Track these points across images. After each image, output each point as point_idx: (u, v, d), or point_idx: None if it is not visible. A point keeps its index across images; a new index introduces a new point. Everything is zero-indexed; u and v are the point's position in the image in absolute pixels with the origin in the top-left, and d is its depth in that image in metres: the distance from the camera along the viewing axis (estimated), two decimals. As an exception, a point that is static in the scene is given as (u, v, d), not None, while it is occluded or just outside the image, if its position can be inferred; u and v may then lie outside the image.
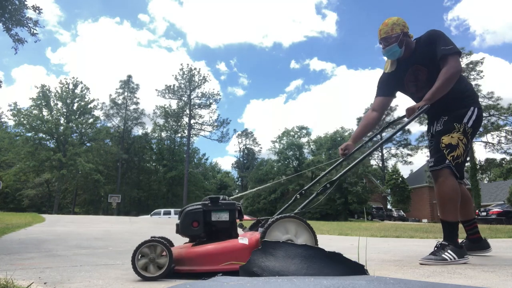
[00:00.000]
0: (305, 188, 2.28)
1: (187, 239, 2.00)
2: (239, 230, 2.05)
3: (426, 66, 2.35)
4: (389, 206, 46.22)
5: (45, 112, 38.65)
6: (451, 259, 2.11)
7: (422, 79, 2.39)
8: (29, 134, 37.41)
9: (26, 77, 76.00)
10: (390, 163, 53.20)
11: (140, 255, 1.62)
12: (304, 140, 46.31)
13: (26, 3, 7.81)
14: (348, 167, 2.16)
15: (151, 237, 1.75)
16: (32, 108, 37.85)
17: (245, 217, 2.06)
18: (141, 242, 1.63)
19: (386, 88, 2.57)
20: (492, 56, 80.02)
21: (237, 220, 1.96)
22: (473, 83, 33.57)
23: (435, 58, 2.27)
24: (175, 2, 77.29)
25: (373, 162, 50.68)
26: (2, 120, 50.79)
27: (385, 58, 2.50)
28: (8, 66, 72.56)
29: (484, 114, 31.04)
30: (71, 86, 40.22)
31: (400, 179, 40.75)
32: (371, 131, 2.65)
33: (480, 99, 33.48)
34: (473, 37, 79.52)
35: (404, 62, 2.42)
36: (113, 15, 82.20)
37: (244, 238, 1.77)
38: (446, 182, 2.15)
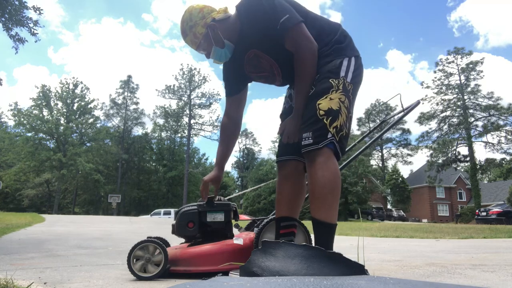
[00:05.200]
0: None
1: (183, 240, 2.01)
2: (235, 230, 2.06)
3: (265, 51, 1.66)
4: (389, 206, 46.24)
5: (45, 112, 38.68)
6: None
7: (267, 68, 1.71)
8: (29, 134, 37.45)
9: (29, 77, 76.37)
10: (390, 163, 53.33)
11: (135, 259, 1.64)
12: (304, 140, 46.23)
13: (26, 3, 7.81)
14: (339, 167, 2.15)
15: (147, 237, 1.76)
16: (32, 108, 37.88)
17: (242, 216, 2.06)
18: (132, 246, 1.64)
19: (232, 84, 1.88)
20: (497, 56, 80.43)
21: (233, 221, 1.97)
22: (473, 83, 33.58)
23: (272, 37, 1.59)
24: (178, 1, 77.41)
25: (373, 162, 50.75)
26: (2, 120, 50.84)
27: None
28: (10, 66, 72.82)
29: (484, 114, 30.47)
30: (71, 86, 40.28)
31: (400, 179, 40.78)
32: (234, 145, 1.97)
33: (480, 99, 32.63)
34: (477, 37, 79.86)
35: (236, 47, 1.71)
36: (116, 15, 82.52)
37: (239, 239, 1.79)
38: (328, 165, 1.45)
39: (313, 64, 1.54)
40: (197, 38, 1.64)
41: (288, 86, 1.87)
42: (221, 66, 1.90)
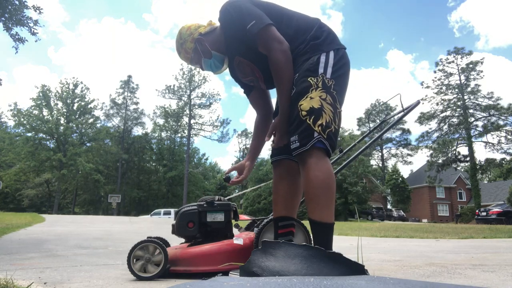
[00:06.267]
0: None
1: (183, 240, 2.01)
2: (235, 230, 2.06)
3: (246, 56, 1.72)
4: (389, 206, 46.25)
5: (45, 112, 38.66)
6: None
7: (250, 73, 1.78)
8: (29, 134, 37.43)
9: (29, 77, 76.60)
10: (390, 163, 53.35)
11: (135, 259, 1.64)
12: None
13: (26, 3, 7.82)
14: (338, 168, 2.15)
15: (147, 237, 1.77)
16: (32, 108, 37.87)
17: (242, 216, 2.06)
18: (132, 246, 1.64)
19: (243, 86, 1.94)
20: (498, 56, 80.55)
21: (233, 221, 1.97)
22: (473, 83, 33.54)
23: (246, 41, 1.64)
24: (179, 1, 77.56)
25: (373, 162, 50.76)
26: (2, 120, 50.85)
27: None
28: (11, 66, 73.01)
29: (484, 114, 30.28)
30: (71, 86, 40.29)
31: (400, 179, 40.78)
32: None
33: (480, 99, 32.39)
34: (478, 37, 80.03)
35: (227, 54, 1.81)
36: (117, 15, 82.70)
37: (239, 239, 1.79)
38: (320, 165, 1.44)
39: (286, 64, 1.54)
40: (188, 53, 1.79)
41: None
42: (226, 73, 1.93)
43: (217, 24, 1.77)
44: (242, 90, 1.96)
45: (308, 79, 1.51)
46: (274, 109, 1.92)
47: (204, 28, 1.77)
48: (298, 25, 1.64)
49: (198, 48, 1.75)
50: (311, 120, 1.46)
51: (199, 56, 1.77)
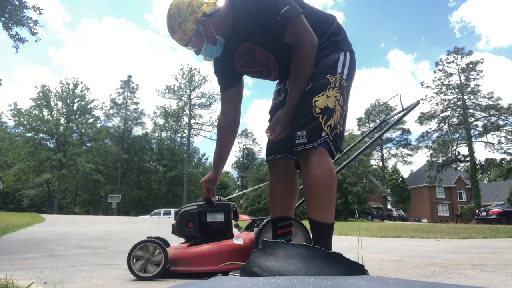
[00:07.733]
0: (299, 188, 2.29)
1: (183, 240, 2.01)
2: (235, 230, 2.06)
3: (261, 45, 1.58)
4: (389, 206, 46.25)
5: (45, 112, 38.66)
6: None
7: (263, 62, 1.63)
8: (29, 134, 37.43)
9: (29, 77, 76.73)
10: (390, 163, 53.35)
11: (135, 259, 1.64)
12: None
13: (26, 3, 7.82)
14: (338, 168, 2.15)
15: (147, 237, 1.77)
16: (32, 108, 37.86)
17: (242, 216, 2.06)
18: (132, 246, 1.64)
19: (226, 78, 1.79)
20: (499, 56, 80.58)
21: (233, 221, 1.97)
22: (473, 83, 33.54)
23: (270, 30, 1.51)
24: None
25: (373, 162, 50.75)
26: (2, 120, 50.87)
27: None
28: (11, 66, 73.06)
29: (484, 114, 30.28)
30: (71, 86, 40.29)
31: (400, 179, 40.78)
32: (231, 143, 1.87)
33: (480, 99, 32.50)
34: (479, 37, 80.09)
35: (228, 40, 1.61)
36: (118, 15, 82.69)
37: (239, 239, 1.79)
38: (322, 163, 1.41)
39: (313, 59, 1.48)
40: (187, 35, 1.53)
41: (276, 81, 1.82)
42: (211, 64, 1.81)
43: (219, 4, 1.59)
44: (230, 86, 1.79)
45: (327, 77, 1.47)
46: (240, 113, 1.84)
47: (207, 7, 1.52)
48: (318, 18, 1.59)
49: (201, 31, 1.51)
50: (323, 119, 1.43)
51: (200, 40, 1.53)
